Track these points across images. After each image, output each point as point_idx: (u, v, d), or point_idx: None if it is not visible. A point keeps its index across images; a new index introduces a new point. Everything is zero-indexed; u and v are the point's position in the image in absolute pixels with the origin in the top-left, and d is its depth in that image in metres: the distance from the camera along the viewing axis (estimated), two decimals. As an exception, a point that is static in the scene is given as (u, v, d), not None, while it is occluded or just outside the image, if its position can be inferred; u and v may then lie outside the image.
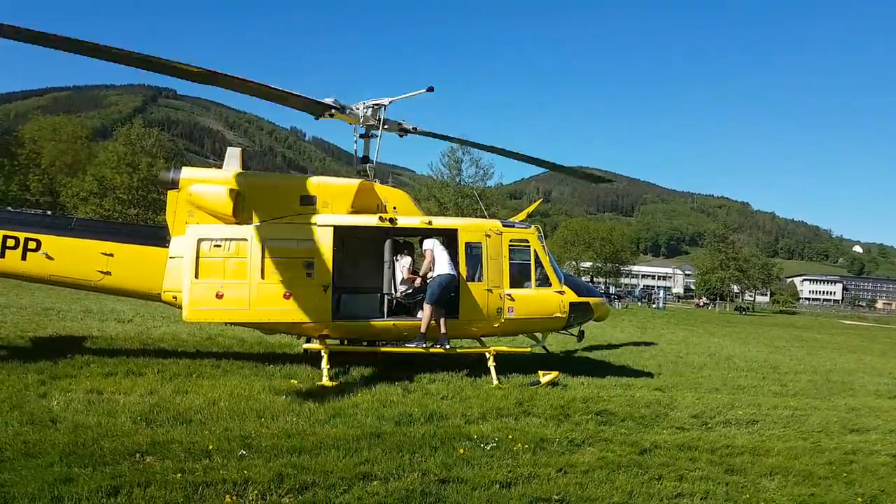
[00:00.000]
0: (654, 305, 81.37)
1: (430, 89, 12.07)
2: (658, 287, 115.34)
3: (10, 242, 11.15)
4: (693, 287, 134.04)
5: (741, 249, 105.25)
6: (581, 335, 13.53)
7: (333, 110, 11.93)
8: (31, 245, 11.21)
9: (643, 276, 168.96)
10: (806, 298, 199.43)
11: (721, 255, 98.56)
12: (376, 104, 12.34)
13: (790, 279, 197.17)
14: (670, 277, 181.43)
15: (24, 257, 11.20)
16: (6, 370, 9.77)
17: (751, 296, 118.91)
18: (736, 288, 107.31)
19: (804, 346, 29.34)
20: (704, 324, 44.02)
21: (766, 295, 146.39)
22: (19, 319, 16.56)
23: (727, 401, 11.70)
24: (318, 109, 11.83)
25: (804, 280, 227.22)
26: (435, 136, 13.85)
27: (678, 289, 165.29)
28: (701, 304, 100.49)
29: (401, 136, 13.15)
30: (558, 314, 12.51)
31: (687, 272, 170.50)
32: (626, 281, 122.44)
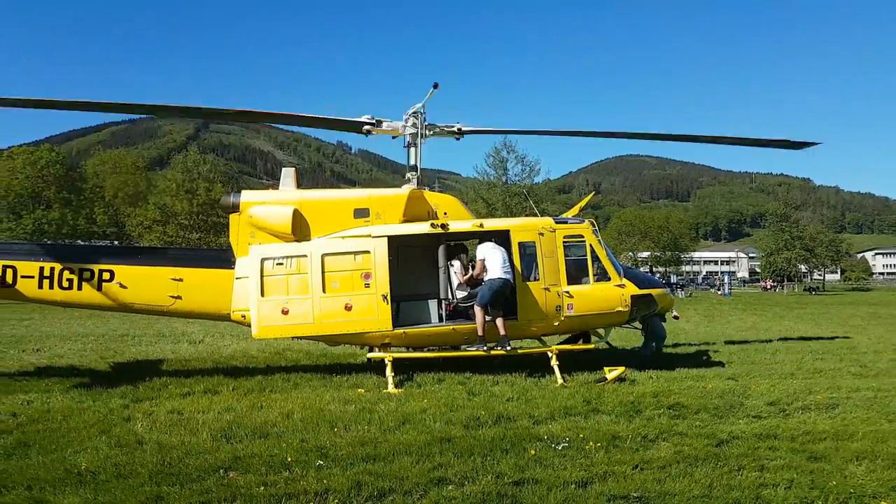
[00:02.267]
0: (718, 292, 79.40)
1: (435, 86, 12.26)
2: (722, 272, 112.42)
3: (86, 275, 11.71)
4: (758, 270, 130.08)
5: (806, 227, 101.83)
6: (647, 328, 13.34)
7: (369, 126, 12.44)
8: (105, 276, 11.75)
9: (705, 262, 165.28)
10: (880, 273, 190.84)
11: (785, 235, 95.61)
12: (414, 112, 12.57)
13: (861, 254, 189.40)
14: (734, 262, 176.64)
15: (99, 288, 11.75)
16: (92, 397, 10.24)
17: (820, 275, 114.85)
18: (804, 268, 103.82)
19: (882, 323, 28.14)
20: (773, 307, 42.79)
21: (836, 273, 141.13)
22: (98, 347, 17.33)
23: (804, 386, 11.34)
24: (355, 128, 12.43)
25: (876, 254, 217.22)
26: (488, 132, 14.19)
27: (743, 272, 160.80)
28: (767, 286, 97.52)
29: (457, 138, 13.27)
30: (620, 308, 12.37)
31: (751, 255, 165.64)
32: (688, 268, 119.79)
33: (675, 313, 15.78)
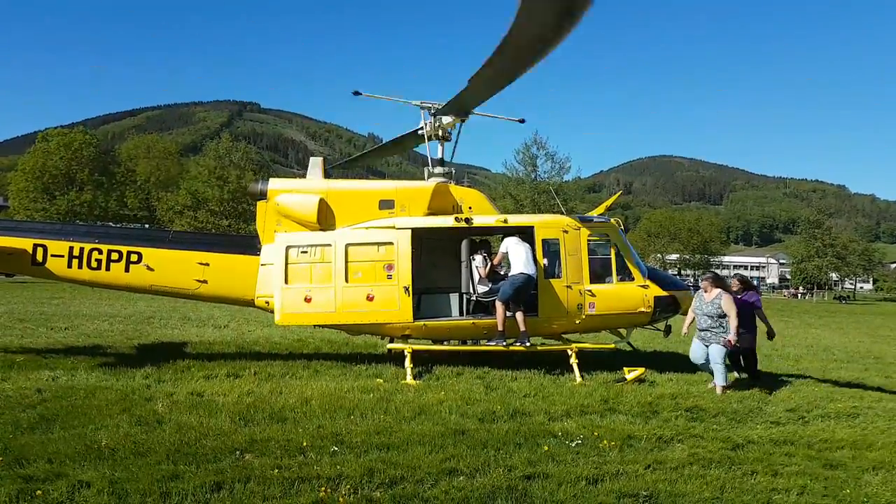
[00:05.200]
0: (746, 297, 78.25)
1: (521, 121, 12.24)
2: (751, 277, 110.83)
3: (115, 256, 11.93)
4: (789, 276, 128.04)
5: (839, 235, 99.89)
6: (668, 330, 13.22)
7: (421, 130, 12.54)
8: (133, 258, 11.96)
9: (735, 266, 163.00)
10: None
11: (817, 242, 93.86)
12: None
13: (895, 265, 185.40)
14: (764, 267, 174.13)
15: (126, 269, 11.96)
16: (115, 376, 10.46)
17: (851, 284, 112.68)
18: (835, 276, 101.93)
19: (912, 335, 27.60)
20: (801, 315, 42.18)
21: (868, 282, 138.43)
22: (125, 328, 17.68)
23: (825, 394, 11.19)
24: (419, 139, 12.49)
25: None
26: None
27: (772, 279, 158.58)
28: (787, 294, 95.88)
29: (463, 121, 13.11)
30: (642, 309, 12.27)
31: (781, 261, 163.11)
32: (717, 272, 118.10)
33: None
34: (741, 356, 12.36)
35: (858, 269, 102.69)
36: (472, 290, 12.11)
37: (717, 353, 10.84)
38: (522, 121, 14.17)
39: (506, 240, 11.88)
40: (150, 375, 10.52)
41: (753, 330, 12.12)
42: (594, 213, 13.56)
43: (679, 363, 13.89)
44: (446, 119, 12.64)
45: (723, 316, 10.84)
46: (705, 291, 11.20)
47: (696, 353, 11.22)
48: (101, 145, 76.67)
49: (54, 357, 12.09)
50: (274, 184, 12.26)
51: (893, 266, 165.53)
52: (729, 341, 10.70)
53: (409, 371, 11.03)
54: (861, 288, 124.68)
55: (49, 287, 34.80)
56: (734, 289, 12.18)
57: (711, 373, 11.07)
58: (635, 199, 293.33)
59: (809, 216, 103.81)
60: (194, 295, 12.37)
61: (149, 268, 11.96)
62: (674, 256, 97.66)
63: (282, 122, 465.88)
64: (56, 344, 14.03)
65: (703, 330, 11.07)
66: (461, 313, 12.51)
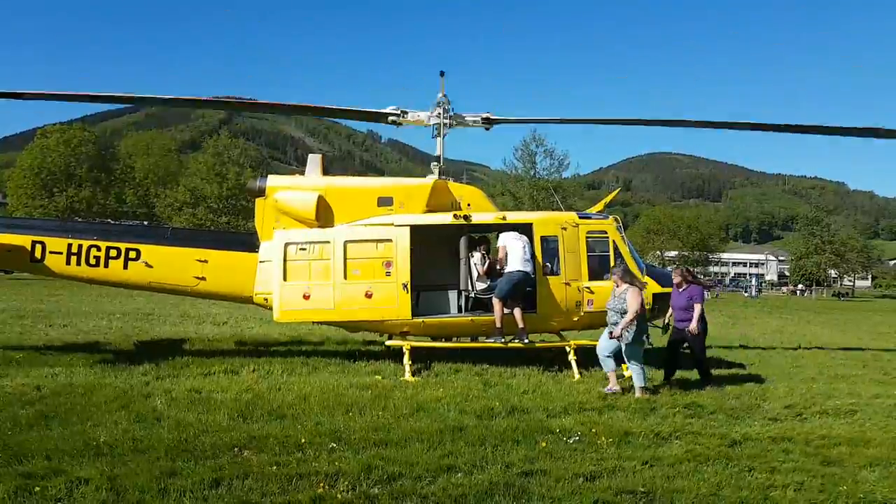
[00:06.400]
0: (746, 293, 78.37)
1: (441, 73, 12.33)
2: (750, 274, 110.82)
3: (113, 253, 11.96)
4: (787, 273, 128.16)
5: (837, 232, 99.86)
6: (667, 327, 13.23)
7: (395, 116, 12.38)
8: (132, 255, 11.99)
9: (734, 263, 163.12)
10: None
11: (816, 240, 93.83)
12: (437, 102, 12.57)
13: (894, 261, 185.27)
14: (762, 264, 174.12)
15: (125, 266, 11.99)
16: (114, 372, 10.48)
17: (850, 281, 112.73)
18: (833, 273, 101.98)
19: (911, 331, 27.62)
20: (800, 311, 42.21)
21: (867, 279, 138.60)
22: (124, 325, 17.69)
23: (823, 390, 11.20)
24: (381, 119, 12.35)
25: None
26: (519, 121, 13.97)
27: (771, 276, 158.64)
28: (786, 291, 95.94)
29: (486, 128, 13.18)
30: (641, 306, 12.25)
31: (780, 258, 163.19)
32: (716, 269, 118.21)
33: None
34: (692, 351, 11.47)
35: (857, 266, 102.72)
36: (470, 288, 12.12)
37: (631, 354, 10.17)
38: (442, 74, 12.94)
39: (502, 235, 11.88)
40: (148, 372, 10.55)
41: (702, 324, 11.22)
42: (593, 210, 13.57)
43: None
44: (423, 114, 12.71)
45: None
46: (616, 286, 10.44)
47: (601, 344, 10.49)
48: (100, 142, 76.28)
49: (53, 354, 12.10)
50: (272, 181, 12.28)
51: (893, 263, 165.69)
52: (611, 333, 10.19)
53: (407, 368, 11.05)
54: (858, 285, 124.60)
55: (48, 284, 34.76)
56: (675, 282, 11.47)
57: (611, 368, 10.40)
58: (634, 196, 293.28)
59: (808, 213, 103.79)
60: (193, 292, 12.41)
61: (147, 265, 11.98)
62: (673, 253, 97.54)
63: (280, 118, 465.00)
64: (55, 341, 14.03)
65: (613, 325, 10.29)
66: (460, 310, 12.53)
